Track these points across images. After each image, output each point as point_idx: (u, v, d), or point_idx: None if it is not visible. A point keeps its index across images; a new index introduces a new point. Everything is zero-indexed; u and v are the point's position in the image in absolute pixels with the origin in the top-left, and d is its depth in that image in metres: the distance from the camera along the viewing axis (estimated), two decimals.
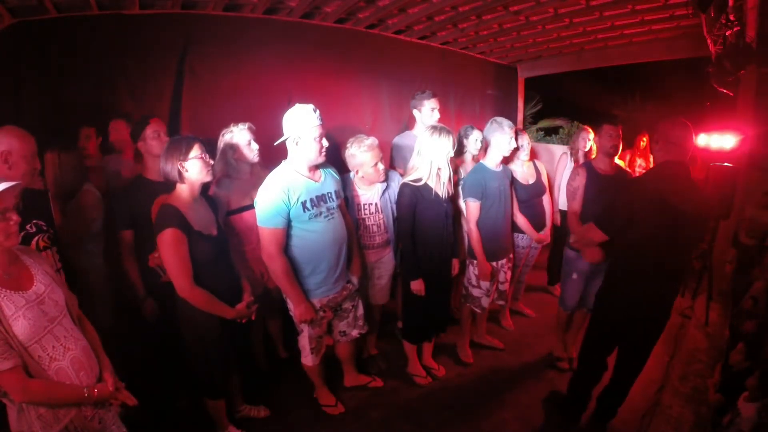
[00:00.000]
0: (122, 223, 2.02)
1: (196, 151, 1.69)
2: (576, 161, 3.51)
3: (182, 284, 1.66)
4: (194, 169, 1.69)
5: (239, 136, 2.20)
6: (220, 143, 2.23)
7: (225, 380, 1.99)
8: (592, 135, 3.49)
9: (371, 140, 2.25)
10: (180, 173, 1.68)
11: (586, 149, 3.47)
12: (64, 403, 1.21)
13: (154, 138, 2.05)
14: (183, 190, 1.73)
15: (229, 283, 1.87)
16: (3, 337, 1.09)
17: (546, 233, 3.04)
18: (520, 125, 5.41)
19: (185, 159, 1.68)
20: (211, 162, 1.75)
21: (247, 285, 1.96)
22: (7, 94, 2.23)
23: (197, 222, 1.72)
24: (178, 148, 1.69)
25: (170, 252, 1.64)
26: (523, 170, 2.91)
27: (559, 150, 4.62)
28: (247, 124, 2.25)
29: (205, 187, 1.84)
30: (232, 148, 2.20)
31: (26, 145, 1.51)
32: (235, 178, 2.22)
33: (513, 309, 3.41)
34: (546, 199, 3.08)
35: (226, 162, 2.22)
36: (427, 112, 2.73)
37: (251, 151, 2.23)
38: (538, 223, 3.03)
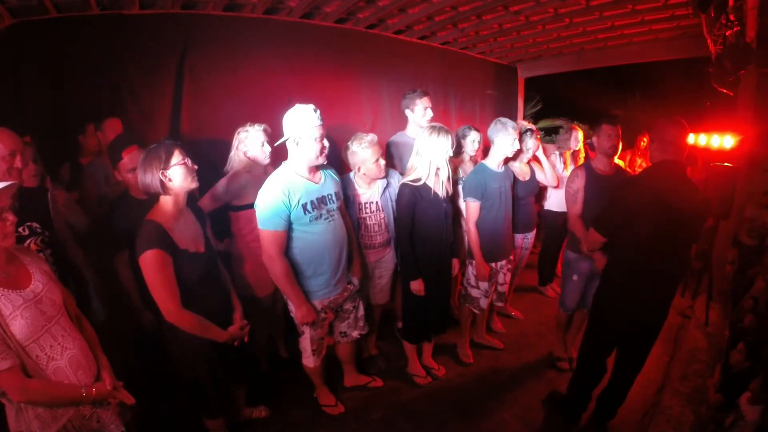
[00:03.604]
0: (118, 245, 1.95)
1: (177, 157, 1.56)
2: (564, 161, 3.53)
3: (169, 308, 1.53)
4: (178, 176, 1.56)
5: (253, 136, 2.24)
6: (235, 141, 2.26)
7: (219, 401, 1.89)
8: (581, 134, 3.51)
9: (371, 136, 2.26)
10: (163, 183, 1.54)
11: (576, 148, 3.50)
12: (62, 403, 1.21)
13: (129, 172, 1.92)
14: (167, 202, 1.59)
15: (219, 302, 1.77)
16: (1, 337, 1.09)
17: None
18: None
19: (167, 167, 1.54)
20: (195, 167, 1.63)
21: (239, 304, 1.87)
22: (7, 94, 2.23)
23: (183, 239, 1.60)
24: (158, 156, 1.54)
25: (153, 275, 1.50)
26: (521, 167, 2.93)
27: None
28: (263, 126, 2.27)
29: (192, 197, 1.73)
30: (246, 147, 2.23)
31: (2, 145, 1.47)
32: (252, 174, 2.24)
33: (500, 312, 3.35)
34: (538, 173, 3.10)
35: (240, 160, 2.25)
36: (420, 111, 2.69)
37: (263, 153, 2.26)
38: (528, 222, 3.04)
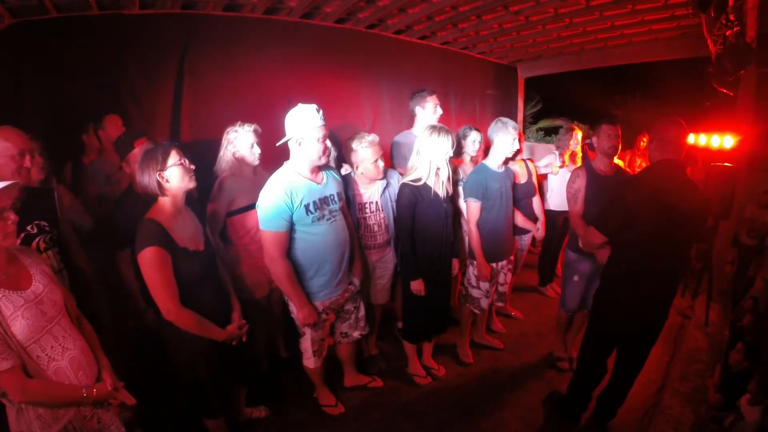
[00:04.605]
0: (120, 243, 1.94)
1: (174, 157, 1.57)
2: (563, 162, 3.54)
3: (168, 307, 1.53)
4: (175, 177, 1.57)
5: (243, 137, 2.21)
6: (224, 140, 2.24)
7: (219, 401, 1.90)
8: (580, 135, 3.52)
9: (372, 137, 2.25)
10: (160, 185, 1.55)
11: (574, 149, 3.51)
12: (63, 403, 1.21)
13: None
14: (165, 202, 1.60)
15: (218, 301, 1.77)
16: (2, 338, 1.09)
17: (541, 225, 3.05)
18: (520, 125, 5.42)
19: (164, 168, 1.55)
20: (192, 167, 1.64)
21: (237, 303, 1.87)
22: (7, 94, 2.22)
23: (182, 237, 1.60)
24: (154, 157, 1.55)
25: (152, 273, 1.51)
26: (515, 169, 2.90)
27: None
28: (253, 126, 2.25)
29: (190, 196, 1.73)
30: (235, 147, 2.21)
31: (12, 144, 1.48)
32: (239, 176, 2.23)
33: (500, 312, 3.35)
34: (536, 199, 3.09)
35: (228, 161, 2.23)
36: (431, 109, 2.75)
37: (252, 154, 2.24)
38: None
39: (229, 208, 2.20)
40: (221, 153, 2.25)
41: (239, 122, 2.25)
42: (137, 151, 1.93)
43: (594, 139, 2.47)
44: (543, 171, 3.65)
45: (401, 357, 2.69)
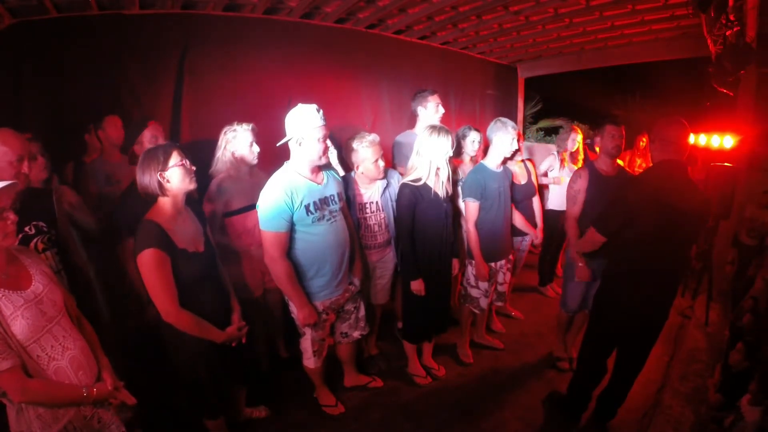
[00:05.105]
0: (124, 233, 1.94)
1: (175, 158, 1.56)
2: (562, 161, 3.54)
3: (167, 309, 1.53)
4: (176, 178, 1.56)
5: (242, 136, 2.21)
6: (222, 141, 2.23)
7: (219, 400, 1.90)
8: (580, 135, 3.51)
9: (373, 136, 2.26)
10: (161, 185, 1.55)
11: (574, 149, 3.50)
12: (63, 403, 1.21)
13: (151, 143, 1.96)
14: (165, 202, 1.59)
15: (218, 302, 1.77)
16: (2, 337, 1.09)
17: (539, 232, 3.05)
18: (520, 125, 5.42)
19: (165, 168, 1.54)
20: (193, 168, 1.63)
21: (237, 305, 1.86)
22: (7, 94, 2.22)
23: (182, 238, 1.60)
24: (155, 157, 1.55)
25: (151, 275, 1.50)
26: (515, 170, 2.90)
27: None
28: (250, 125, 2.25)
29: (190, 197, 1.73)
30: (234, 147, 2.21)
31: (10, 148, 1.47)
32: (236, 178, 2.22)
33: (500, 311, 3.35)
34: (535, 200, 3.09)
35: (226, 161, 2.23)
36: (433, 108, 2.77)
37: (251, 153, 2.24)
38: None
39: (226, 208, 2.20)
40: (219, 153, 2.24)
41: (236, 122, 2.25)
42: (148, 132, 1.96)
43: (597, 140, 2.47)
44: (544, 181, 3.63)
45: (401, 357, 2.69)
